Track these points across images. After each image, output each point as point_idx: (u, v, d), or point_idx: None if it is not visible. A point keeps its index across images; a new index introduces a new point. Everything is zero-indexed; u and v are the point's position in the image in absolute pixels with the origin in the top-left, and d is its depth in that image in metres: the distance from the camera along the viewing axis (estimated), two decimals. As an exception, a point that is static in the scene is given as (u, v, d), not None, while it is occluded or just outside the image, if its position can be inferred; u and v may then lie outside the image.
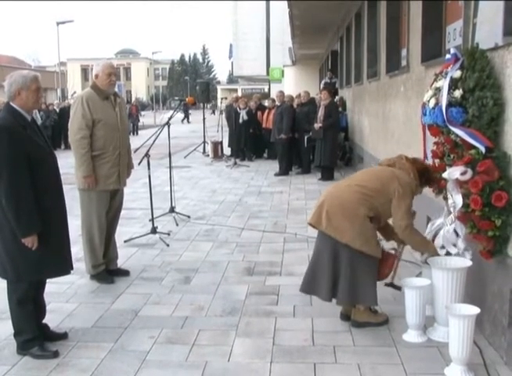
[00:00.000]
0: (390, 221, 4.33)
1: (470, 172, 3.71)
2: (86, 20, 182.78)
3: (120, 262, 5.78)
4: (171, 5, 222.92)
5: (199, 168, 14.23)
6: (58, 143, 19.48)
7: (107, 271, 5.45)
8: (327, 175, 11.17)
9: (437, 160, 4.37)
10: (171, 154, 8.59)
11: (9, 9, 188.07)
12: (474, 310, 3.53)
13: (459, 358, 3.48)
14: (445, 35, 5.34)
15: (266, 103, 16.47)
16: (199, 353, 3.88)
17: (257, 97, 16.80)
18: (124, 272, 5.58)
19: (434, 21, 5.71)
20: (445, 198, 4.20)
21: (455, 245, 4.07)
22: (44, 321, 4.10)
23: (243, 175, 12.64)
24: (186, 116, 41.67)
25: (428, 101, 4.18)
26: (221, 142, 16.32)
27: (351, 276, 4.08)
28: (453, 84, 3.90)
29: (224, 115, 17.72)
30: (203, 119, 17.84)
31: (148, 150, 6.78)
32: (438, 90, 4.05)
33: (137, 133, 28.10)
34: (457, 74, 3.90)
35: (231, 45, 47.07)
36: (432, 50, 5.72)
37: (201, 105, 19.65)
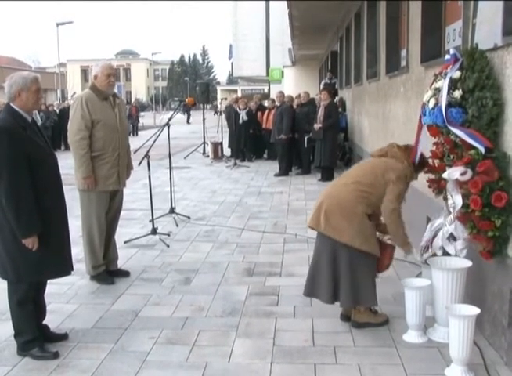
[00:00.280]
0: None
1: (469, 173, 3.71)
2: (86, 21, 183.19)
3: (121, 263, 5.78)
4: (171, 5, 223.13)
5: (199, 168, 14.24)
6: (58, 144, 19.48)
7: (107, 272, 5.45)
8: (327, 176, 11.16)
9: (436, 161, 4.37)
10: (171, 155, 8.59)
11: (8, 10, 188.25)
12: (474, 310, 3.54)
13: (460, 358, 3.49)
14: (445, 36, 5.35)
15: (266, 103, 16.48)
16: (199, 354, 3.88)
17: (257, 97, 16.81)
18: (125, 273, 5.58)
19: (433, 22, 5.71)
20: (445, 198, 4.20)
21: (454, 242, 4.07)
22: (44, 322, 4.10)
23: (243, 176, 12.64)
24: (188, 116, 41.67)
25: (428, 101, 4.18)
26: (221, 143, 16.33)
27: (351, 277, 4.08)
28: (453, 85, 3.90)
29: (224, 116, 17.73)
30: (203, 120, 17.85)
31: (148, 151, 6.78)
32: (438, 90, 4.05)
33: (137, 134, 28.11)
34: (457, 74, 3.90)
35: (231, 46, 47.11)
36: (432, 51, 5.72)
37: (201, 106, 19.64)
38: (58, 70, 39.00)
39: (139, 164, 6.65)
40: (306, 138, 12.27)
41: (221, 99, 24.67)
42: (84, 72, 75.91)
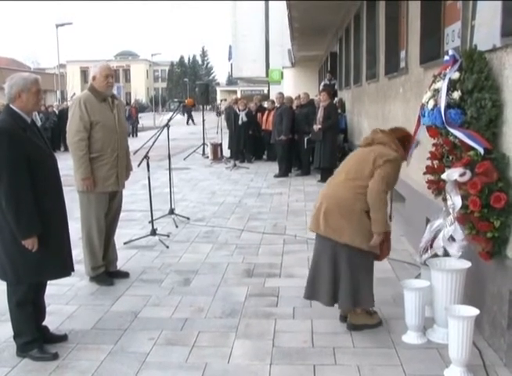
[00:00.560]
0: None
1: (468, 174, 3.72)
2: (85, 23, 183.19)
3: (120, 264, 5.78)
4: (170, 5, 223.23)
5: (198, 169, 14.24)
6: (57, 145, 19.47)
7: (107, 273, 5.45)
8: (327, 177, 10.95)
9: (436, 162, 4.37)
10: (171, 156, 8.58)
11: (8, 11, 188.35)
12: (474, 311, 3.54)
13: (459, 359, 3.49)
14: (444, 37, 5.36)
15: (266, 104, 16.49)
16: (199, 355, 3.88)
17: (257, 98, 16.82)
18: (124, 274, 5.58)
19: (432, 23, 5.72)
20: (444, 199, 4.21)
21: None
22: (44, 323, 4.10)
23: (242, 177, 12.64)
24: (190, 117, 41.63)
25: (427, 102, 4.18)
26: (221, 144, 16.33)
27: (351, 278, 4.07)
28: (452, 86, 3.90)
29: (223, 117, 17.72)
30: (203, 121, 17.86)
31: (147, 152, 6.78)
32: (437, 92, 4.06)
33: (136, 135, 28.11)
34: (456, 75, 3.91)
35: (230, 47, 47.12)
36: (431, 52, 5.73)
37: (201, 107, 19.65)
38: (57, 71, 39.02)
39: (139, 165, 6.65)
40: (306, 139, 12.28)
41: (221, 100, 24.69)
42: (84, 73, 75.84)
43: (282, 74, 32.34)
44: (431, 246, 4.25)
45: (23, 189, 3.63)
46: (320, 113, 11.52)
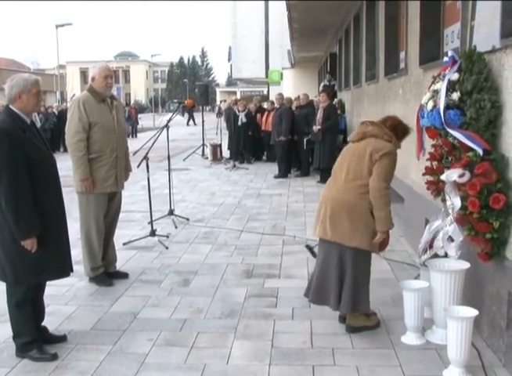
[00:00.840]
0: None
1: (468, 175, 3.72)
2: (85, 23, 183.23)
3: (119, 265, 5.78)
4: (170, 5, 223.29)
5: (198, 170, 14.24)
6: (57, 146, 19.47)
7: (106, 274, 5.45)
8: (326, 178, 10.97)
9: (435, 163, 4.38)
10: (170, 157, 8.58)
11: (8, 11, 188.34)
12: (472, 312, 3.55)
13: (458, 360, 3.49)
14: (443, 38, 5.36)
15: (265, 105, 16.49)
16: (198, 356, 3.88)
17: (257, 99, 16.83)
18: (123, 275, 5.58)
19: (432, 24, 5.73)
20: (443, 200, 4.21)
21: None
22: (43, 324, 4.10)
23: (242, 178, 12.64)
24: (191, 117, 41.63)
25: (426, 103, 4.19)
26: (221, 145, 16.33)
27: (354, 284, 4.05)
28: (451, 87, 3.91)
29: (223, 117, 17.72)
30: (203, 121, 17.87)
31: (147, 153, 6.78)
32: (436, 92, 4.06)
33: (136, 136, 28.11)
34: (455, 76, 3.91)
35: (230, 48, 47.12)
36: (430, 53, 5.74)
37: (200, 108, 19.65)
38: (57, 71, 39.02)
39: (138, 166, 6.65)
40: (305, 140, 12.29)
41: (221, 101, 24.70)
42: (84, 74, 75.77)
43: (281, 74, 32.31)
44: (430, 247, 4.25)
45: (23, 189, 3.63)
46: (320, 114, 11.52)
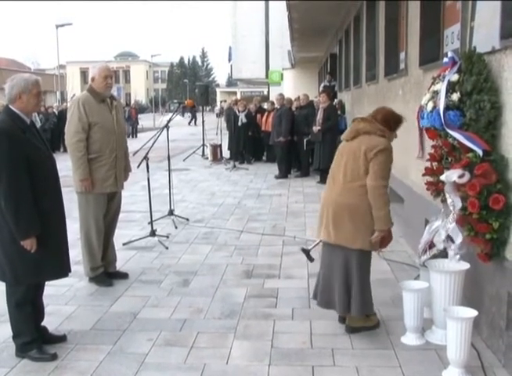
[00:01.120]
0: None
1: (467, 175, 3.72)
2: (85, 23, 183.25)
3: (119, 265, 5.78)
4: (170, 5, 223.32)
5: (198, 170, 14.24)
6: (57, 146, 19.46)
7: (106, 274, 5.45)
8: (326, 178, 11.06)
9: (435, 163, 4.38)
10: (170, 157, 8.59)
11: (8, 11, 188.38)
12: (472, 313, 3.55)
13: (457, 360, 3.49)
14: (443, 39, 5.36)
15: (265, 105, 16.50)
16: (197, 356, 3.89)
17: (257, 100, 16.83)
18: (123, 275, 5.58)
19: (432, 24, 5.73)
20: (443, 201, 4.21)
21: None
22: (42, 324, 4.10)
23: (242, 178, 12.65)
24: (194, 117, 41.63)
25: (426, 104, 4.19)
26: (221, 145, 16.34)
27: (362, 286, 4.05)
28: (451, 88, 3.91)
29: (223, 118, 17.73)
30: (203, 122, 17.88)
31: (147, 153, 6.78)
32: (436, 93, 4.07)
33: (136, 136, 28.11)
34: (455, 77, 3.92)
35: (230, 48, 47.10)
36: (430, 53, 5.74)
37: (200, 108, 19.66)
38: (57, 71, 39.01)
39: (138, 166, 6.65)
40: (305, 140, 12.29)
41: (221, 102, 24.71)
42: (84, 74, 75.78)
43: (282, 75, 32.31)
44: (430, 247, 4.25)
45: (23, 189, 3.63)
46: (320, 115, 11.53)
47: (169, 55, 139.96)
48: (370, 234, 3.99)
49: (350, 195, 4.02)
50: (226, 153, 16.22)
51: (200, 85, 21.00)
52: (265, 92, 37.82)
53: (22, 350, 3.89)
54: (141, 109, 50.33)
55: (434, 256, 4.19)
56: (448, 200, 3.96)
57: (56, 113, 21.15)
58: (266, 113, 14.91)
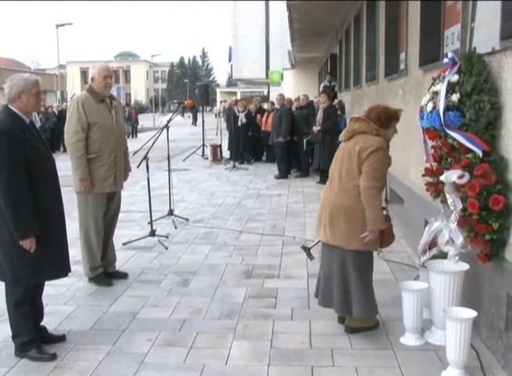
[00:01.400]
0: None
1: (467, 176, 3.72)
2: (85, 23, 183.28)
3: (119, 265, 5.78)
4: (171, 5, 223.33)
5: (198, 170, 14.24)
6: (57, 146, 19.46)
7: (105, 274, 5.45)
8: (326, 178, 11.02)
9: (434, 164, 4.38)
10: (170, 157, 8.58)
11: (8, 11, 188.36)
12: (471, 313, 3.55)
13: (457, 361, 3.49)
14: (443, 39, 5.36)
15: (265, 105, 16.50)
16: (197, 356, 3.89)
17: (257, 100, 16.84)
18: (123, 275, 5.58)
19: (432, 25, 5.73)
20: (443, 201, 4.21)
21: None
22: (42, 323, 4.10)
23: (241, 178, 12.65)
24: (195, 117, 41.65)
25: (426, 105, 4.19)
26: (221, 145, 16.34)
27: (362, 287, 4.04)
28: (451, 88, 3.91)
29: (223, 118, 17.73)
30: (203, 122, 17.88)
31: (147, 153, 6.78)
32: (436, 94, 4.07)
33: (136, 136, 28.12)
34: (455, 78, 3.91)
35: (230, 48, 47.11)
36: (430, 54, 5.74)
37: (200, 108, 19.66)
38: (57, 71, 39.01)
39: (138, 166, 6.65)
40: (305, 140, 12.29)
41: (221, 102, 24.72)
42: (84, 74, 75.70)
43: (282, 75, 32.34)
44: (430, 248, 4.25)
45: (22, 189, 3.63)
46: (320, 115, 11.53)
47: (169, 55, 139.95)
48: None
49: (346, 196, 4.02)
50: (226, 154, 16.22)
51: (200, 85, 21.00)
52: (265, 93, 37.86)
53: (21, 350, 3.89)
54: (141, 109, 50.32)
55: (434, 257, 4.18)
56: (449, 201, 3.96)
57: (56, 112, 21.15)
58: (266, 114, 14.92)
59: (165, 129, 7.67)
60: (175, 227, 7.66)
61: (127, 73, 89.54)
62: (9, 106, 3.76)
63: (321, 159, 11.40)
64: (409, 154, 6.20)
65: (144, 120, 36.08)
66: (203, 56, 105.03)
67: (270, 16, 37.93)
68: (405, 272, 5.54)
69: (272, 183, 11.83)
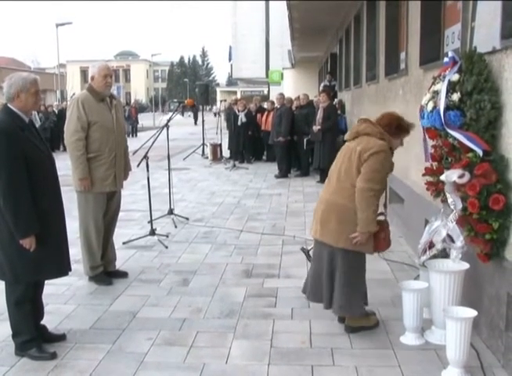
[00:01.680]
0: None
1: (467, 175, 3.72)
2: (85, 22, 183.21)
3: (119, 264, 5.78)
4: (171, 5, 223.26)
5: (198, 170, 14.24)
6: (57, 145, 19.47)
7: (105, 273, 5.45)
8: (326, 178, 11.08)
9: (435, 163, 4.38)
10: (170, 156, 8.58)
11: (8, 10, 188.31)
12: (472, 313, 3.55)
13: (457, 361, 3.49)
14: (444, 38, 5.36)
15: (265, 105, 16.50)
16: (197, 355, 3.88)
17: (257, 99, 16.84)
18: (123, 274, 5.58)
19: (432, 24, 5.73)
20: (443, 201, 4.21)
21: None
22: (42, 322, 4.10)
23: (241, 178, 12.64)
24: (195, 116, 41.65)
25: (426, 104, 4.19)
26: (221, 145, 16.34)
27: (345, 287, 4.04)
28: (451, 88, 3.91)
29: (223, 117, 17.73)
30: (203, 121, 17.89)
31: (147, 152, 6.78)
32: (436, 93, 4.06)
33: (136, 135, 28.12)
34: (455, 77, 3.91)
35: (230, 48, 47.14)
36: (430, 53, 5.74)
37: (200, 107, 19.66)
38: (57, 70, 38.99)
39: (138, 165, 6.65)
40: (305, 140, 12.29)
41: (221, 101, 24.72)
42: (84, 73, 75.77)
43: (282, 74, 32.33)
44: (430, 247, 4.25)
45: (22, 188, 3.63)
46: (320, 114, 11.52)
47: (169, 54, 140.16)
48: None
49: (341, 195, 4.03)
50: (226, 153, 16.23)
51: (200, 85, 21.00)
52: (265, 92, 37.84)
53: (21, 349, 3.88)
54: (141, 108, 50.30)
55: (434, 256, 4.18)
56: (449, 200, 3.95)
57: (56, 112, 21.15)
58: (266, 113, 14.91)
59: (165, 128, 7.67)
60: (175, 226, 7.66)
61: (127, 72, 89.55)
62: (8, 105, 3.76)
63: (321, 158, 11.41)
64: (410, 154, 6.20)
65: (144, 119, 36.06)
66: (203, 55, 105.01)
67: (270, 16, 37.96)
68: (406, 271, 5.54)
69: (272, 183, 11.83)
